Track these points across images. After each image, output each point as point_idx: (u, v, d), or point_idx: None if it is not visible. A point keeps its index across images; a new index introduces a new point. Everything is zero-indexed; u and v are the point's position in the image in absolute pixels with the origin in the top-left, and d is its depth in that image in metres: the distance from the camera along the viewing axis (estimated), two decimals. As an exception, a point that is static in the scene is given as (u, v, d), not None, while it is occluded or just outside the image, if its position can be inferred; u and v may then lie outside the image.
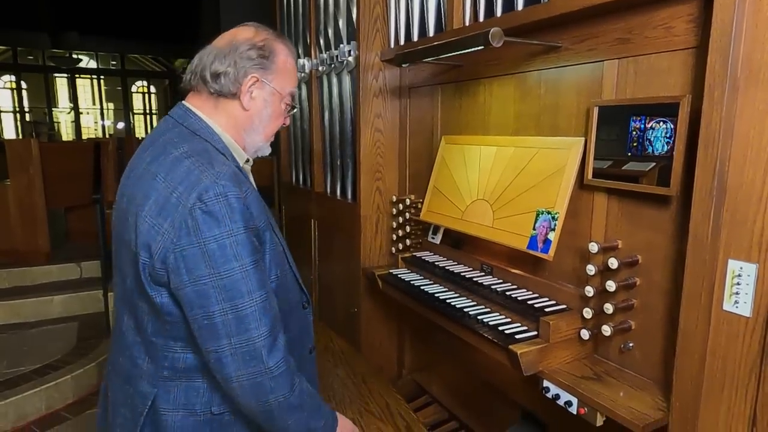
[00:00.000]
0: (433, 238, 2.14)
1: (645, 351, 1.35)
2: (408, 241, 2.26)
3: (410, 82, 2.27)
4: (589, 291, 1.37)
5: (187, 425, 1.10)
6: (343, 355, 2.09)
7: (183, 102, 1.21)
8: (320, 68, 2.70)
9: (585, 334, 1.38)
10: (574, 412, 1.32)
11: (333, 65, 2.57)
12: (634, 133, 1.29)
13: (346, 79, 2.49)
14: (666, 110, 1.20)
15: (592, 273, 1.36)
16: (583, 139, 1.44)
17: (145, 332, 1.10)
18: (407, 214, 2.24)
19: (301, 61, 2.91)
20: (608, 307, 1.33)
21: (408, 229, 2.25)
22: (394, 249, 2.35)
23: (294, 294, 1.24)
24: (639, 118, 1.27)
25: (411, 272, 2.06)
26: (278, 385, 1.03)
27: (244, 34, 1.17)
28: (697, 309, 1.11)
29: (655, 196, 1.26)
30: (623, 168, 1.32)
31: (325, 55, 2.64)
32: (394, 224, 2.32)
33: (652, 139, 1.26)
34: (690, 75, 1.18)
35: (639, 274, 1.34)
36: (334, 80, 2.59)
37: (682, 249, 1.22)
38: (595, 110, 1.37)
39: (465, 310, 1.62)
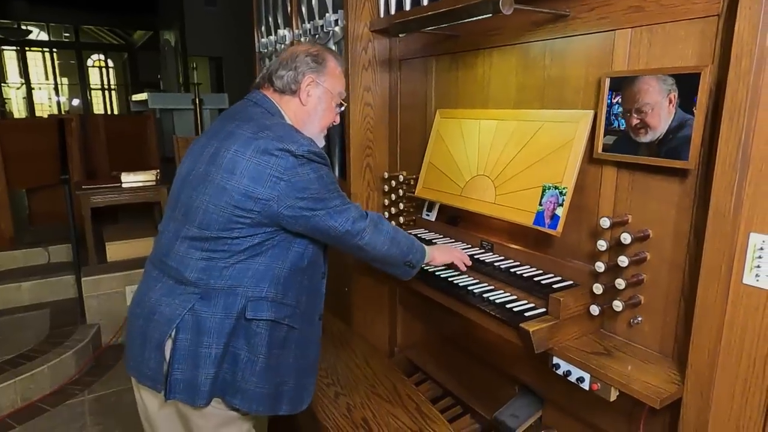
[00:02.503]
0: (427, 215, 2.10)
1: (654, 325, 1.35)
2: (401, 219, 2.21)
3: (401, 54, 2.19)
4: (600, 266, 1.36)
5: None
6: (342, 336, 2.04)
7: (258, 90, 1.45)
8: (303, 39, 2.58)
9: (595, 309, 1.37)
10: (587, 388, 1.32)
11: (318, 36, 2.46)
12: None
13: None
14: (685, 81, 1.16)
15: (603, 248, 1.34)
16: (592, 111, 1.40)
17: None
18: (400, 191, 2.18)
19: (281, 32, 2.78)
20: (620, 283, 1.32)
21: (401, 206, 2.20)
22: (386, 227, 2.30)
23: (320, 263, 1.45)
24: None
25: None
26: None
27: (303, 47, 1.46)
28: (717, 282, 1.11)
29: (668, 169, 1.24)
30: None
31: (308, 25, 2.52)
32: (386, 201, 2.27)
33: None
34: (709, 44, 1.15)
35: (650, 249, 1.33)
36: (319, 52, 2.47)
37: (697, 222, 1.21)
38: (607, 81, 1.33)
39: (469, 288, 1.59)
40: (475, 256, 1.73)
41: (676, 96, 1.19)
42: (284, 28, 2.76)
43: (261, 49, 3.11)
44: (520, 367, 1.77)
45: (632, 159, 1.31)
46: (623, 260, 1.31)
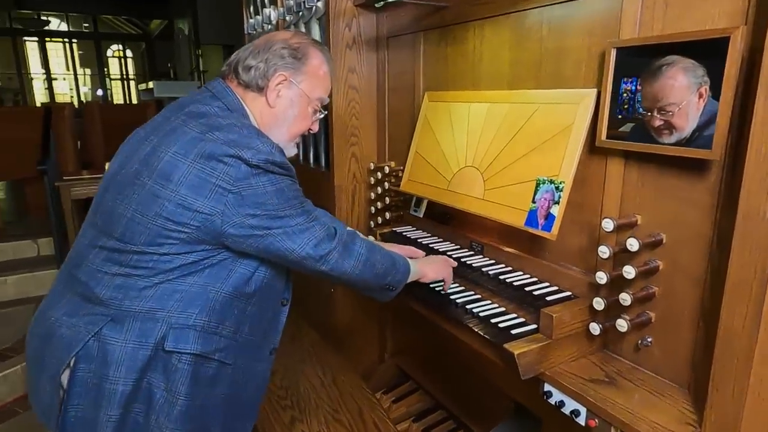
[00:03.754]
0: (415, 211, 1.88)
1: (666, 348, 1.12)
2: (388, 215, 2.00)
3: (388, 31, 1.96)
4: (602, 277, 1.13)
5: None
6: (313, 349, 1.85)
7: (222, 79, 1.22)
8: (287, 18, 2.37)
9: (595, 328, 1.15)
10: (582, 424, 1.10)
11: (301, 13, 2.24)
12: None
13: (315, 29, 2.17)
14: (708, 49, 0.92)
15: (606, 256, 1.11)
16: (595, 90, 1.17)
17: None
18: (386, 184, 1.97)
19: (267, 10, 2.57)
20: (625, 298, 1.09)
21: (387, 200, 1.98)
22: (372, 223, 2.09)
23: (277, 287, 1.24)
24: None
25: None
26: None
27: (282, 35, 1.24)
28: (746, 302, 0.87)
29: (687, 160, 1.00)
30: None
31: (291, 2, 2.30)
32: (373, 195, 2.06)
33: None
34: (740, 3, 0.91)
35: (662, 257, 1.09)
36: (302, 28, 2.26)
37: (722, 226, 0.98)
38: (612, 53, 1.09)
39: (451, 297, 1.38)
40: (463, 259, 1.51)
41: (708, 88, 0.94)
42: (270, 6, 2.55)
43: (249, 31, 2.90)
44: (514, 383, 1.55)
45: (643, 148, 1.07)
46: (629, 271, 1.08)
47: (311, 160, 2.40)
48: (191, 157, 1.03)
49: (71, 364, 1.04)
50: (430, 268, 1.37)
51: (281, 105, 1.20)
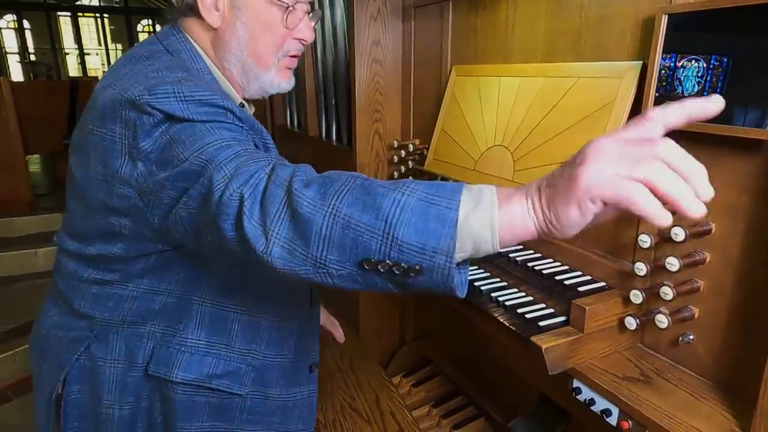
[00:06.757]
0: (440, 191, 1.80)
1: (710, 347, 1.03)
2: (411, 195, 1.92)
3: (415, 0, 1.86)
4: (641, 268, 1.04)
5: None
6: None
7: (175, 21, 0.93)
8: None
9: (631, 322, 1.06)
10: (614, 424, 1.02)
11: (323, -17, 2.15)
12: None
13: (339, 0, 2.08)
14: (777, 14, 0.81)
15: (647, 245, 1.02)
16: (641, 63, 1.06)
17: None
18: (410, 163, 1.89)
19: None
20: (666, 292, 1.00)
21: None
22: (395, 203, 2.02)
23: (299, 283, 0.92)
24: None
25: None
26: None
27: None
28: (808, 305, 0.78)
29: (741, 140, 0.90)
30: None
31: (314, -29, 2.20)
32: (396, 174, 1.98)
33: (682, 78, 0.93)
34: (820, -42, 0.79)
35: (710, 247, 1.00)
36: (326, 2, 2.17)
37: (782, 216, 0.88)
38: (664, 20, 0.98)
39: (475, 284, 1.30)
40: (488, 244, 1.43)
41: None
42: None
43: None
44: (541, 375, 1.48)
45: (693, 127, 0.96)
46: (673, 262, 0.98)
47: (333, 137, 2.34)
48: (95, 117, 0.81)
49: (64, 385, 0.93)
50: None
51: (226, 20, 0.88)
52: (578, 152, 0.53)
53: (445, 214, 0.53)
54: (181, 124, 0.73)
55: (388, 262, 0.54)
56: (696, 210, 0.49)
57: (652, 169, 0.49)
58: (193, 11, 0.88)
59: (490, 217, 0.54)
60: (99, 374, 0.90)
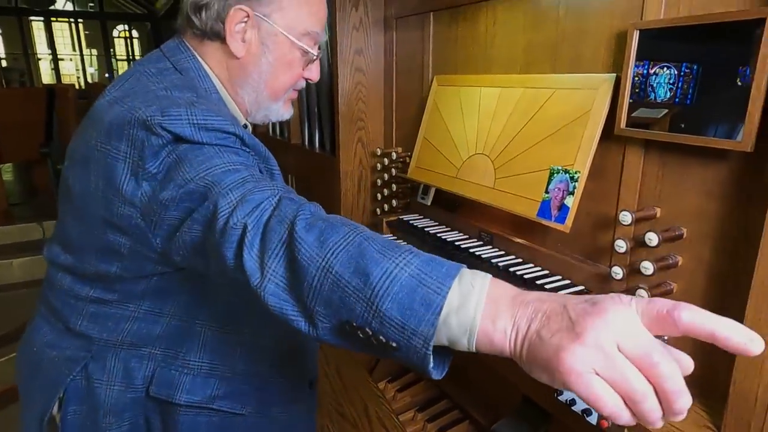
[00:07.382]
0: (423, 198, 1.83)
1: (684, 348, 1.06)
2: (395, 202, 1.95)
3: (397, 11, 1.89)
4: (617, 272, 1.08)
5: None
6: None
7: (179, 34, 0.95)
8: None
9: (609, 325, 1.10)
10: (594, 423, 1.06)
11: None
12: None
13: (322, 9, 2.10)
14: (739, 32, 0.86)
15: (623, 250, 1.06)
16: (614, 75, 1.11)
17: None
18: (393, 170, 1.92)
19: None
20: (642, 294, 1.04)
21: (394, 188, 1.93)
22: (378, 210, 2.05)
23: None
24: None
25: (396, 239, 1.77)
26: None
27: None
28: (773, 306, 0.82)
29: (713, 150, 0.95)
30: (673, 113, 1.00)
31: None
32: (379, 181, 2.01)
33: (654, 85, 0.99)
34: (778, -21, 0.84)
35: (683, 252, 1.04)
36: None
37: (750, 221, 0.92)
38: (635, 35, 1.03)
39: (459, 289, 1.33)
40: (471, 250, 1.47)
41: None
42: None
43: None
44: (523, 376, 1.51)
45: (666, 137, 1.01)
46: (647, 266, 1.03)
47: (316, 144, 2.35)
48: (100, 135, 0.81)
49: (59, 405, 0.91)
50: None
51: (251, 53, 0.91)
52: (588, 309, 0.49)
53: (432, 299, 0.52)
54: (189, 145, 0.74)
55: (368, 331, 0.54)
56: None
57: (638, 392, 0.46)
58: (219, 38, 0.91)
59: (471, 324, 0.52)
60: (95, 395, 0.89)
